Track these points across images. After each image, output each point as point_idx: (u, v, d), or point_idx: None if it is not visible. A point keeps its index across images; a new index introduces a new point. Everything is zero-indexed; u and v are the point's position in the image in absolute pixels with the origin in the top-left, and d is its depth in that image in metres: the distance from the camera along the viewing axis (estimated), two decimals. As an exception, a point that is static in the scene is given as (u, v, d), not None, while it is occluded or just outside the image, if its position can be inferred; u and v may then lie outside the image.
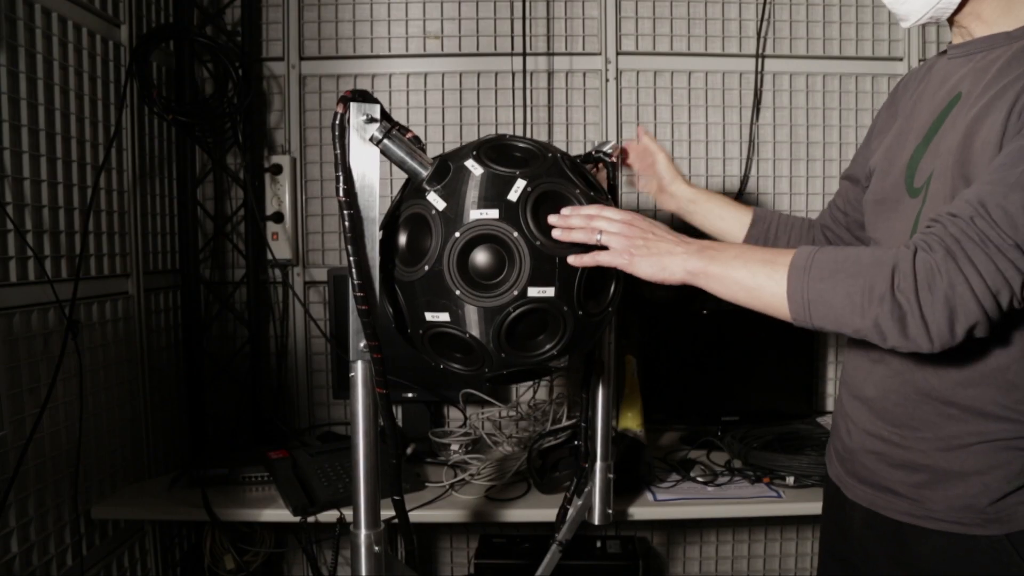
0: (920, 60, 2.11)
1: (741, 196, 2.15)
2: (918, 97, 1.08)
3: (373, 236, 1.00)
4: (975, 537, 0.95)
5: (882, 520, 1.04)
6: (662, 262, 0.97)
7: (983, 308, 0.81)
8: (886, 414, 1.03)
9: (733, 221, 1.35)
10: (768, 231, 1.33)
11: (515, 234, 0.97)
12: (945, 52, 1.07)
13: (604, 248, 0.99)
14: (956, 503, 0.97)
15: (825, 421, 2.08)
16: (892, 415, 1.02)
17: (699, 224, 1.38)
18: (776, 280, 0.90)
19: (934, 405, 0.98)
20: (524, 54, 2.10)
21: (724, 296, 0.96)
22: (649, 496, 1.69)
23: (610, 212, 1.01)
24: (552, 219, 0.99)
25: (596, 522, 1.45)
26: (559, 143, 2.12)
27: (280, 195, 2.10)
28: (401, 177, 1.08)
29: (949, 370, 0.96)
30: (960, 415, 0.96)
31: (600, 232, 0.98)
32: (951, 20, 1.01)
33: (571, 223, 0.99)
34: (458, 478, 1.76)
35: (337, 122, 0.96)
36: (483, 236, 0.97)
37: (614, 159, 1.29)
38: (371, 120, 0.98)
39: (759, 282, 0.91)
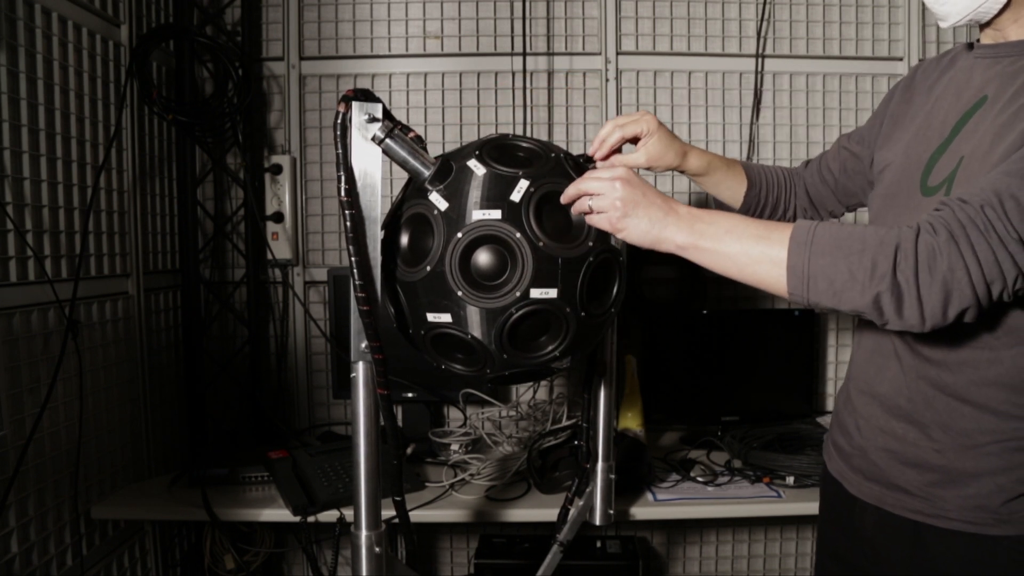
0: (920, 59, 2.10)
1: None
2: (941, 93, 1.06)
3: (375, 236, 1.00)
4: (995, 538, 0.95)
5: (897, 520, 1.04)
6: (652, 233, 0.95)
7: (976, 295, 0.83)
8: (898, 411, 1.03)
9: (734, 190, 1.34)
10: (760, 193, 1.33)
11: (517, 235, 0.96)
12: (971, 47, 1.05)
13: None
14: (968, 503, 0.97)
15: (825, 421, 2.08)
16: (904, 411, 1.02)
17: (707, 191, 1.37)
18: (772, 256, 0.89)
19: (947, 401, 0.98)
20: (524, 54, 2.10)
21: (714, 269, 0.95)
22: (649, 496, 1.69)
23: (601, 172, 1.00)
24: (563, 199, 1.00)
25: (597, 523, 1.45)
26: (559, 143, 2.12)
27: (280, 195, 2.10)
28: (401, 177, 1.08)
29: (964, 369, 0.96)
30: (973, 413, 0.96)
31: (591, 197, 0.98)
32: (987, 22, 0.99)
33: (568, 193, 1.00)
34: (458, 478, 1.76)
35: (339, 121, 0.96)
36: (485, 237, 0.97)
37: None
38: (373, 119, 0.98)
39: (753, 257, 0.91)
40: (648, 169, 1.23)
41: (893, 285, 0.83)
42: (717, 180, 1.31)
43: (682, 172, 1.28)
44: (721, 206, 1.37)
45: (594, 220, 0.99)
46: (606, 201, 0.97)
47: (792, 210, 1.37)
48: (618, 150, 1.21)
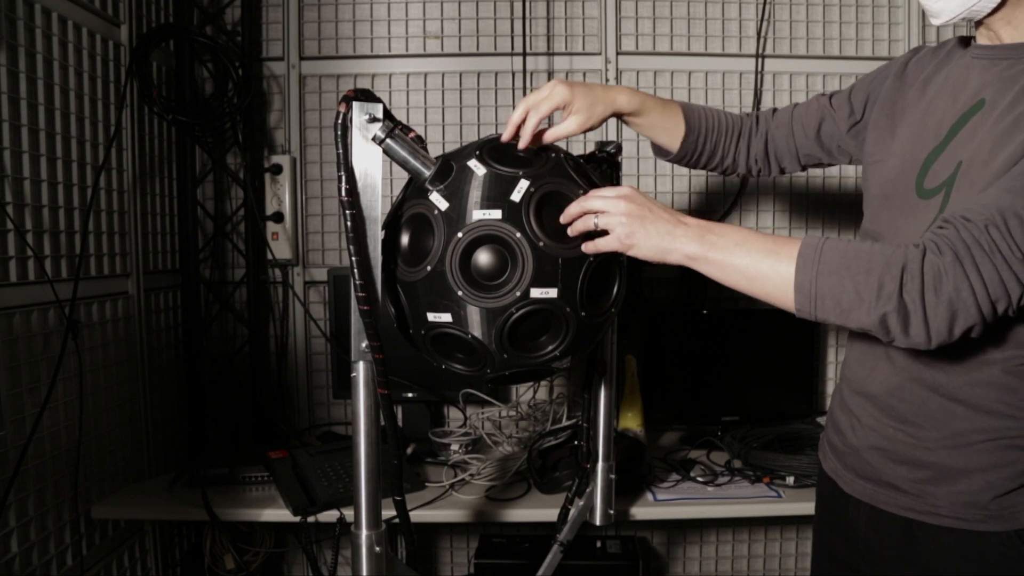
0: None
1: (742, 195, 2.16)
2: (936, 91, 1.05)
3: (375, 236, 1.00)
4: (984, 534, 0.96)
5: (889, 518, 1.04)
6: (661, 245, 0.96)
7: (982, 313, 0.84)
8: (891, 411, 1.04)
9: (671, 133, 1.28)
10: (698, 140, 1.28)
11: (518, 235, 0.96)
12: (967, 43, 1.05)
13: (605, 233, 0.98)
14: (959, 499, 0.97)
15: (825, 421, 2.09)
16: (898, 411, 1.03)
17: (643, 134, 1.30)
18: (781, 272, 0.90)
19: (940, 401, 0.98)
20: (524, 54, 2.10)
21: (722, 281, 0.96)
22: (649, 496, 1.69)
23: (605, 191, 1.00)
24: (562, 218, 0.99)
25: (597, 523, 1.45)
26: (559, 143, 2.12)
27: (280, 195, 2.10)
28: (401, 177, 1.08)
29: (956, 369, 0.97)
30: (966, 413, 0.97)
31: (596, 216, 0.98)
32: (980, 21, 0.99)
33: (570, 212, 0.99)
34: (458, 478, 1.76)
35: (340, 121, 0.96)
36: (486, 236, 0.97)
37: (617, 159, 1.29)
38: (374, 119, 0.98)
39: (762, 271, 0.92)
40: (588, 130, 1.18)
41: (900, 305, 0.85)
42: (652, 122, 1.26)
43: (618, 117, 1.23)
44: (659, 151, 1.33)
45: (601, 244, 0.98)
46: (613, 219, 0.97)
47: (731, 159, 1.32)
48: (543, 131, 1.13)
